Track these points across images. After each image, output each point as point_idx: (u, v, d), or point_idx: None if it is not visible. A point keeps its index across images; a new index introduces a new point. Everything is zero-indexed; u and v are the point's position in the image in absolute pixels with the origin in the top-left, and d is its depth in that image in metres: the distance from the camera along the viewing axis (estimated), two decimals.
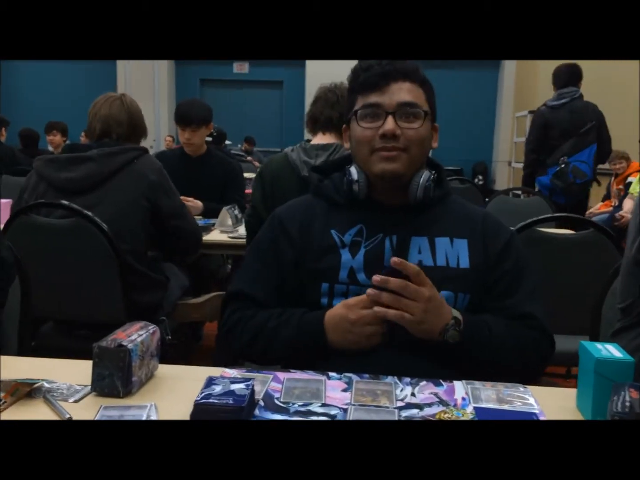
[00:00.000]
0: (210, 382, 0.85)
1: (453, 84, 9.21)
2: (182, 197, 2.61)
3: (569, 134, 3.72)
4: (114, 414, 0.82)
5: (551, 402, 0.90)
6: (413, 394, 0.91)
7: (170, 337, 1.91)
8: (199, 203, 2.73)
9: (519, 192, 4.26)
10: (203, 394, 0.81)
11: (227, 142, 6.53)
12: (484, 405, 0.87)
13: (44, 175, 1.89)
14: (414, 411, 0.85)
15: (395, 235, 1.12)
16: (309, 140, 1.99)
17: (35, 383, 0.87)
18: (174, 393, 0.91)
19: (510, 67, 9.39)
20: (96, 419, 0.80)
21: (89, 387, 0.89)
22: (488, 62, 9.35)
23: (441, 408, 0.87)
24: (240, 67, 10.22)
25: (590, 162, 3.73)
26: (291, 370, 0.99)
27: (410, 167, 1.11)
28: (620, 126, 3.87)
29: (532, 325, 1.10)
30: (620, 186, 5.61)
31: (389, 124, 1.09)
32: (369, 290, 1.01)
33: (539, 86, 7.38)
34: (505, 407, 0.87)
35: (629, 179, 5.47)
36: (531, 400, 0.89)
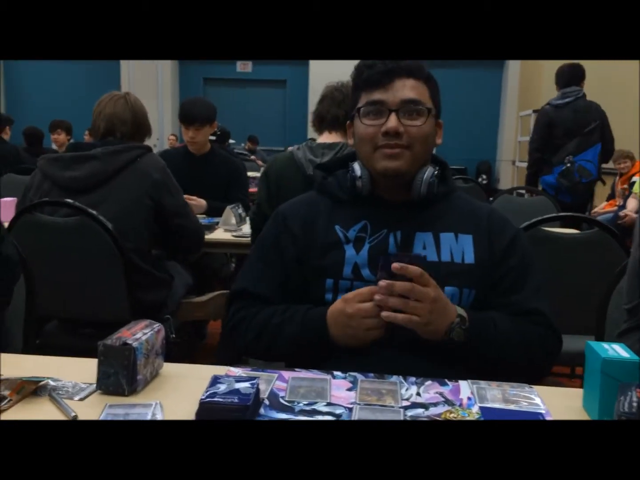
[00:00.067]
0: (215, 380, 0.85)
1: (457, 83, 9.20)
2: (185, 196, 2.61)
3: (573, 133, 3.73)
4: (119, 412, 0.82)
5: (557, 402, 0.90)
6: (418, 394, 0.91)
7: (174, 336, 1.91)
8: (203, 202, 2.73)
9: (523, 191, 4.25)
10: (208, 393, 0.81)
11: (230, 141, 6.53)
12: (489, 405, 0.87)
13: (48, 174, 1.89)
14: (420, 411, 0.85)
15: (400, 231, 1.12)
16: (313, 139, 1.99)
17: (40, 381, 0.87)
18: (179, 391, 0.91)
19: (514, 67, 9.38)
20: (101, 417, 0.80)
21: (94, 385, 0.89)
22: (492, 62, 9.34)
23: (447, 408, 0.86)
24: (244, 66, 10.23)
25: (595, 161, 3.75)
26: (296, 369, 0.99)
27: (413, 165, 1.11)
28: (620, 126, 3.88)
29: (539, 321, 1.09)
30: (625, 185, 5.59)
31: (392, 121, 1.08)
32: (376, 296, 1.00)
33: (543, 85, 7.36)
34: (512, 407, 0.86)
35: (633, 179, 5.45)
36: (537, 400, 0.89)
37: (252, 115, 10.17)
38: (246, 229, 2.36)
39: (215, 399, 0.79)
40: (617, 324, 1.22)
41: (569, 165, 3.70)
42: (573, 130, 3.73)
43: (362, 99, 1.13)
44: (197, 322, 2.68)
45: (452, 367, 1.01)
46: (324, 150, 1.89)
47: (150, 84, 9.22)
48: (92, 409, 0.83)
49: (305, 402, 0.87)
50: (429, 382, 0.94)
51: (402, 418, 0.83)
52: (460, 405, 0.87)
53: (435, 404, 0.87)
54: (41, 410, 0.83)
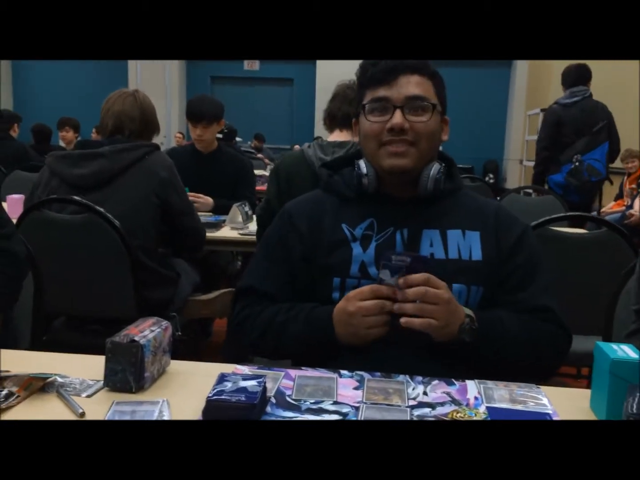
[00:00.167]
0: (222, 378, 0.85)
1: (465, 82, 9.17)
2: (192, 194, 2.63)
3: (582, 132, 3.74)
4: (126, 410, 0.82)
5: (564, 403, 0.89)
6: (425, 393, 0.90)
7: (180, 333, 1.91)
8: (210, 200, 2.73)
9: (530, 190, 4.23)
10: (215, 391, 0.81)
11: (237, 138, 6.54)
12: (496, 405, 0.87)
13: (56, 171, 1.90)
14: (426, 410, 0.85)
15: (406, 228, 1.11)
16: (320, 138, 1.99)
17: (48, 377, 0.88)
18: (186, 389, 0.91)
19: (522, 66, 9.34)
20: (109, 414, 0.80)
21: (102, 382, 0.89)
22: (500, 61, 9.30)
23: (454, 407, 0.86)
24: (251, 65, 10.23)
25: (603, 160, 3.76)
26: (302, 368, 0.99)
27: (419, 161, 1.11)
28: (621, 126, 3.89)
29: (548, 319, 1.09)
30: (633, 185, 5.56)
31: (397, 117, 1.08)
32: (395, 306, 0.98)
33: (551, 84, 7.33)
34: (519, 407, 0.86)
35: None
36: (544, 401, 0.88)
37: (259, 114, 10.18)
38: (253, 227, 2.36)
39: (223, 397, 0.79)
40: (625, 324, 1.21)
41: (577, 164, 3.70)
42: (581, 129, 3.73)
43: (367, 96, 1.13)
44: (203, 319, 2.68)
45: (459, 366, 1.01)
46: (335, 148, 1.88)
47: (158, 82, 9.24)
48: (99, 405, 0.83)
49: (311, 401, 0.87)
50: (435, 382, 0.94)
51: (409, 418, 0.83)
52: (467, 405, 0.87)
53: (442, 404, 0.87)
54: (49, 407, 0.83)
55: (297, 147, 8.32)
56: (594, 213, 4.68)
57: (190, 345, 2.45)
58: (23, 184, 2.92)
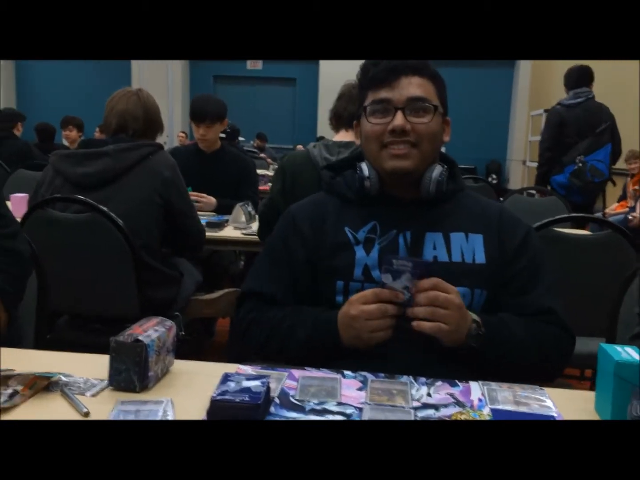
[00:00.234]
0: (225, 378, 0.85)
1: (468, 82, 9.16)
2: (195, 194, 2.63)
3: (584, 134, 3.76)
4: (130, 409, 0.82)
5: (568, 404, 0.89)
6: (429, 394, 0.90)
7: (183, 333, 1.92)
8: (213, 199, 2.74)
9: (534, 191, 4.24)
10: (219, 391, 0.81)
11: (240, 138, 6.54)
12: (500, 406, 0.86)
13: (60, 170, 1.90)
14: (430, 412, 0.85)
15: (409, 231, 1.11)
16: (323, 137, 1.99)
17: (52, 377, 0.88)
18: (190, 388, 0.91)
19: (525, 66, 9.32)
20: (113, 413, 0.81)
21: (106, 381, 0.89)
22: (503, 61, 9.29)
23: (457, 409, 0.86)
24: (254, 64, 10.23)
25: (606, 162, 3.78)
26: (306, 368, 0.99)
27: (421, 163, 1.11)
28: (620, 127, 3.90)
29: (552, 321, 1.09)
30: (636, 187, 5.55)
31: (399, 119, 1.08)
32: (407, 311, 0.98)
33: (555, 85, 7.32)
34: (523, 409, 0.86)
35: None
36: (549, 403, 0.88)
37: (262, 113, 10.18)
38: (256, 226, 2.36)
39: (227, 397, 0.80)
40: (629, 326, 1.21)
41: (580, 165, 3.71)
42: (584, 131, 3.75)
43: (368, 98, 1.13)
44: (205, 319, 2.69)
45: (463, 368, 1.00)
46: (340, 148, 1.88)
47: (161, 82, 9.24)
48: (103, 405, 0.83)
49: (315, 402, 0.87)
50: (439, 383, 0.94)
51: (412, 419, 0.83)
52: (471, 406, 0.87)
53: (445, 405, 0.87)
54: (53, 406, 0.83)
55: (299, 147, 8.32)
56: (598, 214, 4.68)
57: (194, 344, 2.45)
58: (27, 183, 2.92)
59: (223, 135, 3.05)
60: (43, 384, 0.87)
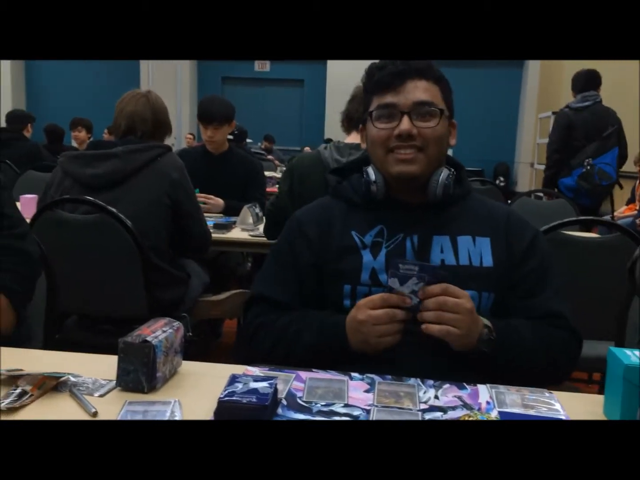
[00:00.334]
0: (233, 379, 0.86)
1: (475, 84, 9.15)
2: (203, 195, 2.64)
3: (592, 137, 3.79)
4: (138, 409, 0.82)
5: (577, 408, 0.89)
6: (436, 397, 0.90)
7: (191, 334, 1.92)
8: (221, 201, 2.74)
9: (541, 194, 4.23)
10: (227, 392, 0.81)
11: (247, 140, 6.55)
12: (509, 410, 0.86)
13: (69, 171, 1.91)
14: (438, 414, 0.85)
15: (416, 235, 1.11)
16: (329, 140, 1.99)
17: (61, 377, 0.88)
18: (197, 389, 0.91)
19: (534, 68, 9.29)
20: (121, 414, 0.81)
21: (114, 381, 0.90)
22: (511, 62, 9.26)
23: (465, 412, 0.86)
24: (262, 66, 10.26)
25: (614, 165, 3.81)
26: (313, 370, 0.99)
27: (428, 167, 1.11)
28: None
29: (560, 325, 1.09)
30: None
31: (405, 124, 1.08)
32: (418, 315, 0.98)
33: (563, 87, 7.29)
34: (531, 412, 0.86)
35: None
36: (557, 406, 0.88)
37: (270, 115, 10.20)
38: (263, 228, 2.37)
39: (234, 398, 0.80)
40: (638, 329, 1.21)
41: (588, 167, 3.73)
42: (592, 134, 3.78)
43: (374, 103, 1.13)
44: (212, 320, 2.69)
45: (471, 372, 1.00)
46: (351, 150, 1.88)
47: (170, 83, 9.30)
48: (111, 405, 0.84)
49: (322, 403, 0.87)
50: (447, 386, 0.94)
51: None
52: (479, 409, 0.87)
53: (453, 408, 0.87)
54: (62, 406, 0.84)
55: (307, 148, 8.33)
56: (607, 217, 4.66)
57: (201, 345, 2.46)
58: (36, 184, 2.94)
59: (230, 136, 3.06)
60: (52, 384, 0.87)
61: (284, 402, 0.87)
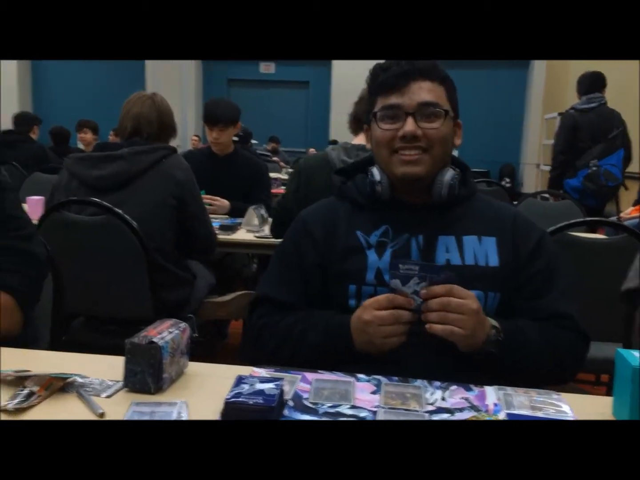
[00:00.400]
0: (239, 380, 0.86)
1: (481, 84, 9.12)
2: (209, 197, 2.64)
3: (597, 138, 3.82)
4: (145, 410, 0.82)
5: (585, 410, 0.88)
6: (443, 398, 0.90)
7: (197, 335, 1.92)
8: (226, 202, 2.75)
9: (548, 195, 4.23)
10: (233, 393, 0.81)
11: (252, 141, 6.56)
12: (516, 411, 0.86)
13: (75, 173, 1.92)
14: (445, 416, 0.85)
15: (422, 235, 1.11)
16: (335, 141, 1.99)
17: (68, 378, 0.89)
18: (204, 390, 0.91)
19: (539, 68, 9.25)
20: (127, 415, 0.81)
21: (121, 382, 0.90)
22: (517, 63, 9.23)
23: (472, 413, 0.85)
24: (267, 68, 10.27)
25: (619, 166, 3.82)
26: (319, 371, 0.99)
27: (432, 168, 1.11)
28: None
29: (567, 326, 1.08)
30: None
31: (409, 125, 1.08)
32: (422, 317, 0.98)
33: (569, 88, 7.25)
34: (539, 414, 0.85)
35: None
36: (565, 408, 0.87)
37: (275, 116, 10.20)
38: (268, 229, 2.37)
39: (240, 399, 0.80)
40: None
41: (594, 168, 3.74)
42: (597, 135, 3.81)
43: (378, 104, 1.13)
44: (218, 321, 2.70)
45: (477, 373, 1.00)
46: (359, 152, 1.88)
47: (175, 85, 9.31)
48: (118, 406, 0.84)
49: (329, 405, 0.87)
50: (454, 387, 0.94)
51: None
52: (487, 411, 0.86)
53: (460, 409, 0.86)
54: (69, 407, 0.84)
55: (312, 150, 8.32)
56: (613, 218, 4.65)
57: (207, 346, 2.46)
58: (43, 186, 2.95)
59: (236, 138, 3.06)
60: (59, 385, 0.88)
61: (290, 403, 0.87)
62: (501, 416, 0.85)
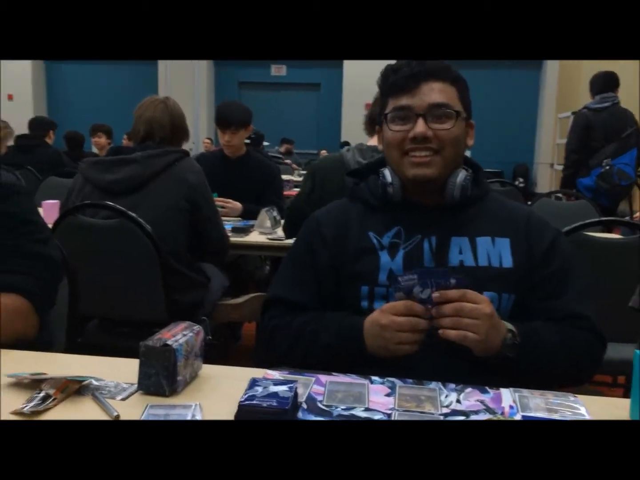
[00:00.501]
0: (253, 383, 0.86)
1: (494, 84, 9.07)
2: (221, 199, 2.65)
3: (611, 137, 3.81)
4: (159, 413, 0.83)
5: (602, 412, 0.87)
6: (458, 401, 0.89)
7: (210, 337, 1.93)
8: (239, 205, 2.75)
9: (560, 195, 4.21)
10: (247, 395, 0.81)
11: (264, 143, 6.57)
12: (532, 414, 0.85)
13: (89, 177, 1.94)
14: (460, 418, 0.84)
15: (434, 236, 1.11)
16: (346, 143, 1.99)
17: (84, 380, 0.89)
18: (218, 393, 0.92)
19: (553, 67, 9.18)
20: (142, 417, 0.81)
21: (136, 385, 0.90)
22: (530, 62, 9.16)
23: (488, 416, 0.85)
24: (278, 70, 10.29)
25: (632, 164, 3.80)
26: (333, 373, 0.99)
27: (444, 170, 1.10)
28: None
29: (583, 327, 1.07)
30: None
31: (420, 126, 1.07)
32: (435, 323, 0.97)
33: (582, 87, 7.19)
34: (556, 416, 0.84)
35: None
36: (582, 410, 0.86)
37: (286, 119, 10.22)
38: (281, 232, 2.37)
39: (254, 402, 0.80)
40: None
41: (607, 168, 3.73)
42: (610, 134, 3.81)
43: (389, 105, 1.13)
44: (232, 323, 2.70)
45: (491, 377, 0.99)
46: (374, 153, 1.88)
47: (187, 88, 9.36)
48: (133, 408, 0.84)
49: (343, 407, 0.86)
50: (469, 390, 0.93)
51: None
52: (502, 413, 0.86)
53: (476, 412, 0.86)
54: (84, 409, 0.84)
55: (323, 152, 8.32)
56: (627, 218, 4.61)
57: (220, 348, 2.47)
58: (58, 190, 2.98)
59: (247, 140, 3.08)
60: (74, 388, 0.88)
61: (304, 405, 0.86)
62: (517, 418, 0.84)
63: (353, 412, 0.85)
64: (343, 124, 9.64)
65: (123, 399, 0.87)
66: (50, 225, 1.87)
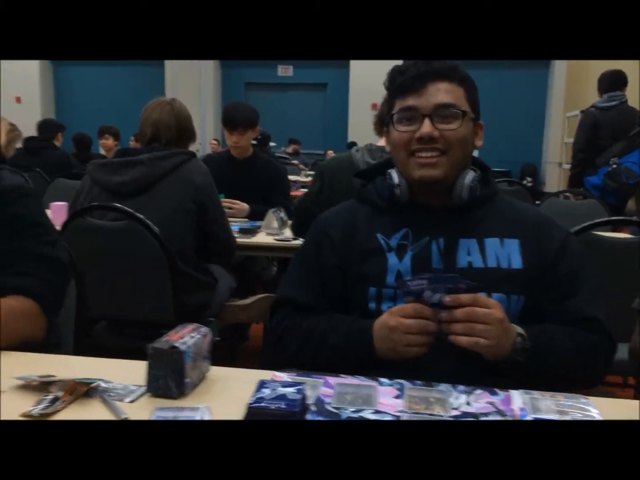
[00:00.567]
0: (261, 385, 0.85)
1: (502, 84, 9.05)
2: (228, 200, 2.66)
3: (618, 136, 3.81)
4: (168, 415, 0.82)
5: (613, 413, 0.86)
6: (468, 403, 0.88)
7: (218, 338, 1.93)
8: (246, 206, 2.76)
9: (568, 194, 4.20)
10: (255, 398, 0.81)
11: (271, 143, 6.58)
12: (543, 416, 0.84)
13: (97, 179, 1.94)
14: (470, 420, 0.83)
15: (442, 238, 1.10)
16: (353, 143, 1.99)
17: (92, 383, 0.89)
18: (226, 395, 0.91)
19: (560, 66, 9.14)
20: (151, 419, 0.81)
21: (144, 387, 0.90)
22: (537, 62, 9.13)
23: (498, 418, 0.84)
24: (285, 70, 10.30)
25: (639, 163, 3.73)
26: (341, 375, 0.98)
27: (451, 171, 1.09)
28: None
29: (594, 329, 1.06)
30: None
31: (426, 126, 1.07)
32: (444, 328, 0.96)
33: (590, 86, 7.16)
34: (567, 419, 0.83)
35: None
36: (593, 412, 0.85)
37: (293, 119, 10.22)
38: (288, 232, 2.37)
39: (263, 404, 0.79)
40: None
41: (615, 166, 3.72)
42: (618, 133, 3.81)
43: (396, 106, 1.12)
44: (239, 324, 2.70)
45: (501, 380, 0.97)
46: (383, 153, 1.87)
47: (194, 90, 9.38)
48: (142, 411, 0.84)
49: (352, 409, 0.86)
50: (479, 392, 0.92)
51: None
52: (513, 415, 0.85)
53: (486, 414, 0.85)
54: (93, 412, 0.84)
55: (330, 152, 8.30)
56: (635, 217, 4.60)
57: (227, 349, 2.47)
58: (66, 192, 2.99)
59: (254, 141, 3.08)
60: (83, 390, 0.88)
61: (313, 407, 0.86)
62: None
63: (362, 414, 0.85)
64: (350, 124, 9.63)
65: (131, 401, 0.87)
66: (58, 227, 1.88)
